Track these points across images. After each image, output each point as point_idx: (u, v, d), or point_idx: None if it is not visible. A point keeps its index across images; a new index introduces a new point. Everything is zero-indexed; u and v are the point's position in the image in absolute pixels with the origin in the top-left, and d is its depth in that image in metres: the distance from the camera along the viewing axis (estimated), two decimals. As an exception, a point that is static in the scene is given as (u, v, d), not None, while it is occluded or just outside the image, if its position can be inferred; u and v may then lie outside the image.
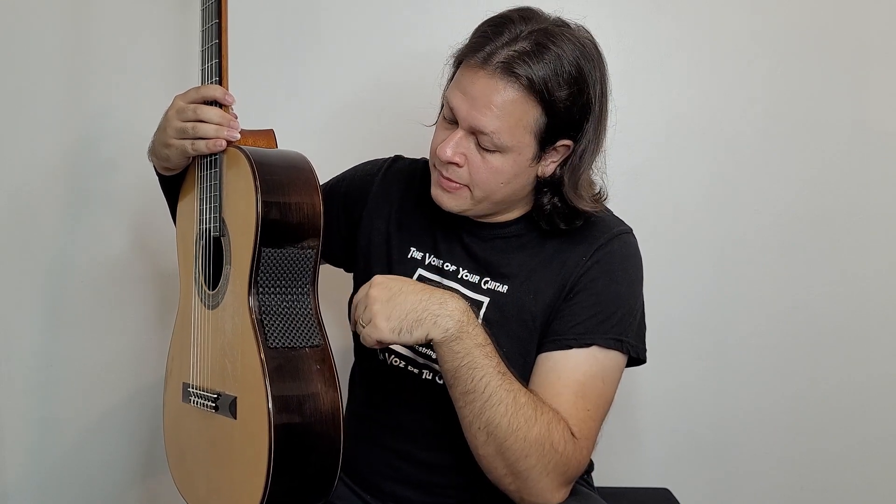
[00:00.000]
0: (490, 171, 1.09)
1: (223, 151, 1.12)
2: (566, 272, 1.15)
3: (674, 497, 1.47)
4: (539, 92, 1.05)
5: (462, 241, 1.21)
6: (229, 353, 1.11)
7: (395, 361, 1.20)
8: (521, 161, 1.10)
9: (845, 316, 1.67)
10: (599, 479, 1.32)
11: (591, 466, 1.30)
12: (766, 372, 1.69)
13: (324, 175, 1.25)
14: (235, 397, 1.09)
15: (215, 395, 1.13)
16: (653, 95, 1.65)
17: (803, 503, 1.71)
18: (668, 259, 1.64)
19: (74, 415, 1.73)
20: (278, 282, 1.10)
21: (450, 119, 1.11)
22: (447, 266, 1.20)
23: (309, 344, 1.09)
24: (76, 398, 1.73)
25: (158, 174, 1.25)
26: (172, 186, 1.26)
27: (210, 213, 1.15)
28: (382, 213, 1.26)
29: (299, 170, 1.12)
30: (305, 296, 1.12)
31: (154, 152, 1.20)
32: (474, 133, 1.08)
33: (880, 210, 1.66)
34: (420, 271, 1.21)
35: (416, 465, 1.19)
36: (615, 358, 1.12)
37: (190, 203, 1.22)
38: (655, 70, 1.65)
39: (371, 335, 1.02)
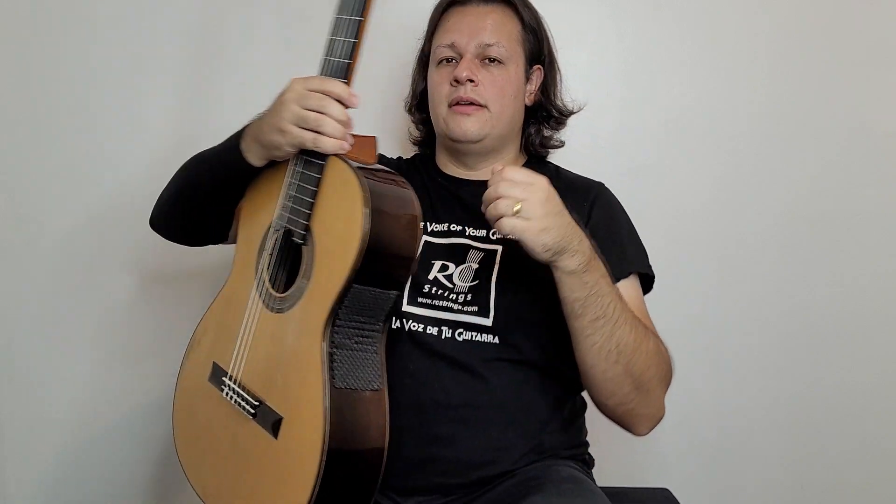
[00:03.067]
0: (497, 85, 1.24)
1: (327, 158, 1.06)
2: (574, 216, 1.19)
3: (674, 497, 1.47)
4: (515, 8, 1.29)
5: (461, 200, 1.26)
6: (284, 368, 1.06)
7: (414, 326, 1.19)
8: (518, 75, 1.27)
9: (846, 316, 1.67)
10: (599, 479, 1.31)
11: (591, 463, 1.31)
12: (766, 372, 1.69)
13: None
14: (281, 418, 1.04)
15: (257, 403, 1.08)
16: (653, 95, 1.65)
17: (803, 503, 1.71)
18: (668, 259, 1.62)
19: (74, 415, 1.73)
20: (357, 319, 1.05)
21: (447, 58, 1.26)
22: (453, 227, 1.24)
23: (370, 387, 1.06)
24: (76, 398, 1.73)
25: (241, 164, 1.13)
26: (245, 180, 1.17)
27: (295, 214, 1.08)
28: None
29: (407, 213, 1.07)
30: (376, 335, 1.09)
31: (257, 136, 1.10)
32: (478, 54, 1.24)
33: (881, 210, 1.66)
34: (424, 238, 1.23)
35: (419, 440, 1.18)
36: (639, 282, 1.24)
37: (268, 186, 1.14)
38: (655, 70, 1.65)
39: (520, 229, 1.02)
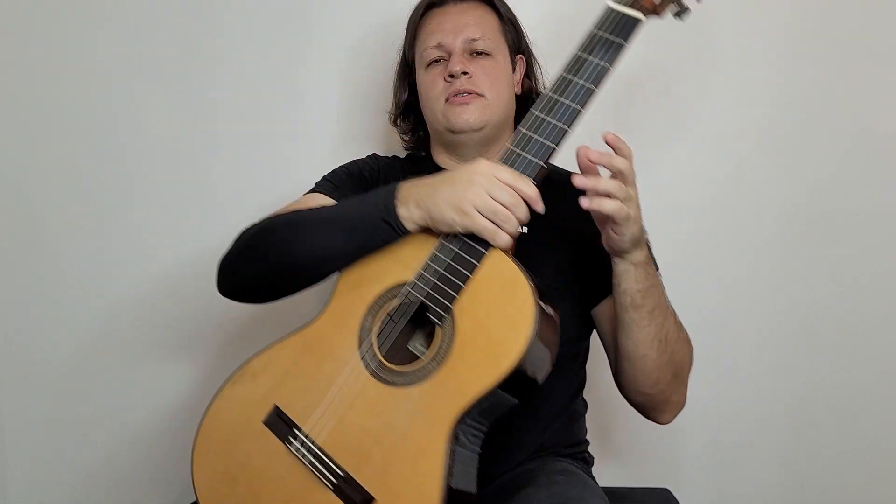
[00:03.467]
0: (490, 74, 1.27)
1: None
2: (578, 209, 1.18)
3: (674, 497, 1.47)
4: (490, 2, 1.33)
5: None
6: (387, 447, 1.00)
7: None
8: (506, 65, 1.31)
9: (846, 316, 1.67)
10: (600, 479, 1.32)
11: (591, 461, 1.31)
12: (766, 372, 1.69)
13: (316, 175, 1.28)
14: (373, 499, 0.99)
15: (341, 474, 1.01)
16: (653, 95, 1.65)
17: (803, 503, 1.71)
18: (667, 260, 1.62)
19: (75, 415, 1.73)
20: (478, 419, 1.03)
21: (436, 59, 1.28)
22: None
23: (469, 489, 1.02)
24: (76, 398, 1.73)
25: (397, 229, 1.05)
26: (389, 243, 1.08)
27: (437, 291, 1.02)
28: None
29: (555, 323, 1.05)
30: (482, 436, 1.06)
31: (426, 206, 1.03)
32: (466, 49, 1.27)
33: (881, 210, 1.65)
34: None
35: None
36: None
37: (407, 244, 1.06)
38: (656, 70, 1.65)
39: (625, 216, 1.02)
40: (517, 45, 1.35)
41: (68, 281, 1.71)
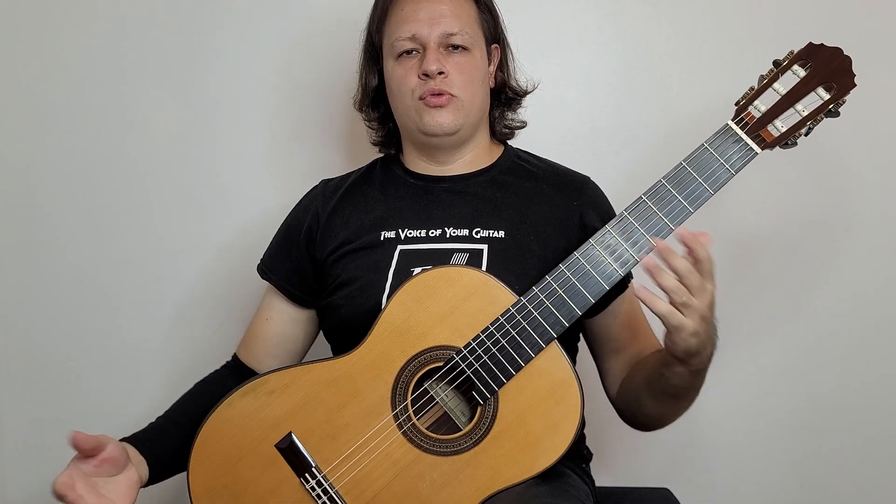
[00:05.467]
0: (465, 73, 1.20)
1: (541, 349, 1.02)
2: (563, 215, 1.20)
3: (674, 497, 1.47)
4: None
5: (438, 199, 1.23)
6: None
7: None
8: (483, 60, 1.23)
9: (845, 316, 1.67)
10: (599, 479, 1.31)
11: (590, 456, 1.30)
12: (767, 372, 1.69)
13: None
14: None
15: None
16: (652, 95, 1.65)
17: (803, 503, 1.71)
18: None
19: (74, 415, 1.72)
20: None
21: (407, 51, 1.20)
22: (431, 232, 1.20)
23: None
24: (76, 398, 1.73)
25: None
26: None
27: (487, 371, 1.02)
28: (335, 225, 1.24)
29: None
30: None
31: None
32: (442, 42, 1.19)
33: (881, 210, 1.65)
34: (400, 247, 1.19)
35: None
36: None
37: (461, 310, 1.04)
38: (655, 69, 1.65)
39: (678, 323, 0.96)
40: (493, 34, 1.27)
41: (69, 280, 1.71)
